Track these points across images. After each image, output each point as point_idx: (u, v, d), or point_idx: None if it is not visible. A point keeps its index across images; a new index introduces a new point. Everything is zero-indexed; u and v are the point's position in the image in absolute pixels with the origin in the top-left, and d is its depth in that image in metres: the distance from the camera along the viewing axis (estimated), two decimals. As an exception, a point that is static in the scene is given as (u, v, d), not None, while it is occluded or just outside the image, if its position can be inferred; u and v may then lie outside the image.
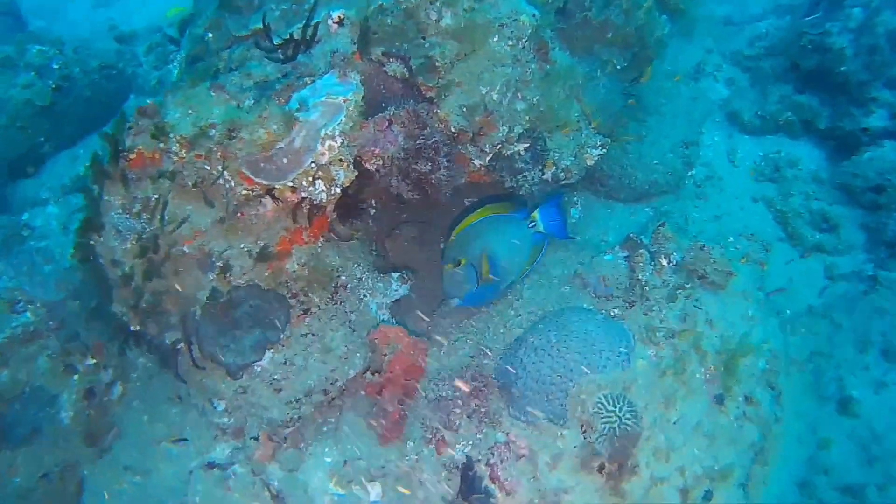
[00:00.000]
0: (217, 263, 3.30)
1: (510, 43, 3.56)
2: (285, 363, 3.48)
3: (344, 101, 3.13)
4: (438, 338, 3.82)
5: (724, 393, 3.38)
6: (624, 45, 4.17)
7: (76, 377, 3.62)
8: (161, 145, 3.17)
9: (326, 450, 3.65)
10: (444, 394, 3.53)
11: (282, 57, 3.51)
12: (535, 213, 3.95)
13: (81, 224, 3.34)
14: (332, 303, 3.57)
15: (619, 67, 4.22)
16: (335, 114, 3.09)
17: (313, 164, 3.08)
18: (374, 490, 3.56)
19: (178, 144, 3.15)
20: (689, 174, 4.71)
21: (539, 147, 3.85)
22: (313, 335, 3.52)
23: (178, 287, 3.31)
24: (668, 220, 4.38)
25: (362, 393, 3.63)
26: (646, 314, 3.52)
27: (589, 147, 3.98)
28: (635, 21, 4.04)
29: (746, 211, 4.60)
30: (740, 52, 5.46)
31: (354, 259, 3.71)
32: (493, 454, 3.30)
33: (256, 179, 3.09)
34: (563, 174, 3.92)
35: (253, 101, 3.23)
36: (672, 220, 4.39)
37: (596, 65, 4.08)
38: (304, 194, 3.16)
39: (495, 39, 3.54)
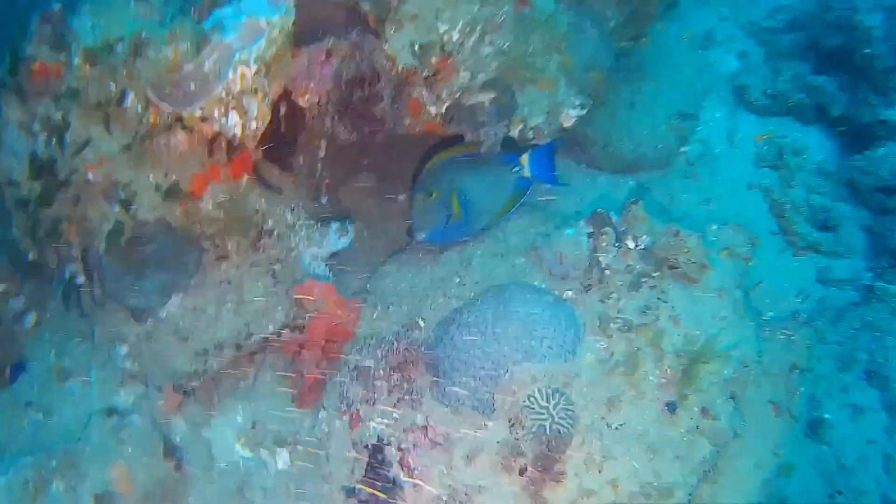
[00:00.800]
0: (122, 195, 2.87)
1: (478, -23, 3.03)
2: (194, 310, 3.06)
3: (266, 24, 2.63)
4: (373, 298, 3.37)
5: (678, 401, 2.87)
6: (621, -2, 3.60)
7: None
8: (63, 57, 2.72)
9: (239, 407, 3.26)
10: (366, 363, 3.09)
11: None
12: (524, 157, 3.51)
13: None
14: (254, 250, 3.12)
15: (613, 23, 3.66)
16: (254, 37, 2.60)
17: (224, 93, 2.60)
18: (283, 457, 3.16)
19: (80, 58, 2.69)
20: (681, 150, 4.16)
21: (506, 100, 3.32)
22: (229, 283, 3.09)
23: (78, 216, 2.89)
24: (650, 197, 3.86)
25: (282, 350, 3.22)
26: (602, 301, 3.01)
27: (566, 106, 3.44)
28: (636, -30, 3.47)
29: (740, 197, 4.02)
30: (758, 23, 4.72)
31: (286, 204, 3.25)
32: (407, 437, 2.85)
33: (161, 105, 2.63)
34: (531, 133, 3.39)
35: (170, 17, 2.76)
36: (654, 198, 3.86)
37: (585, 16, 3.52)
38: (216, 127, 2.70)
39: (463, -29, 3.00)
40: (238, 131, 2.68)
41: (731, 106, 4.28)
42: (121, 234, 2.92)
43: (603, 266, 3.07)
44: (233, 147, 2.76)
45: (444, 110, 3.23)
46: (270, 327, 3.19)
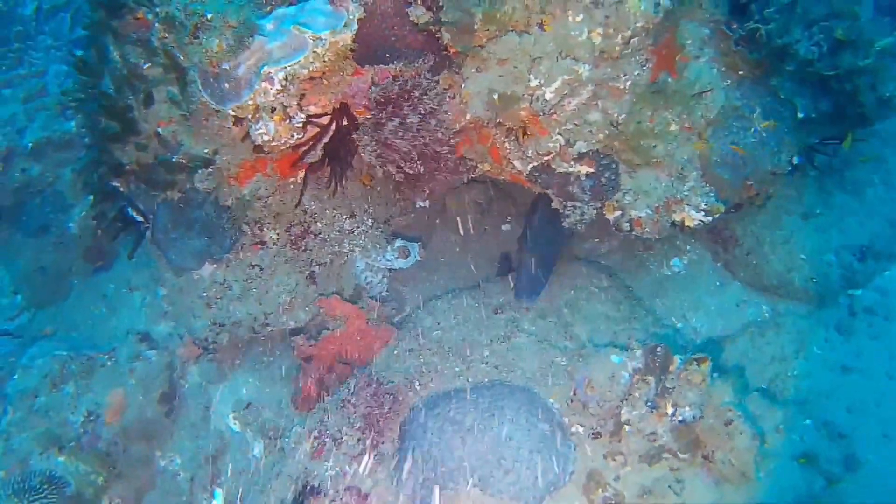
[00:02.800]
0: (181, 157, 2.75)
1: (599, 31, 2.28)
2: (223, 283, 2.96)
3: (313, 39, 2.22)
4: (407, 332, 2.99)
5: None
6: (819, 88, 2.55)
7: (91, 198, 3.42)
8: (150, 16, 2.57)
9: (250, 381, 3.17)
10: (354, 399, 2.78)
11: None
12: None
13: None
14: (293, 247, 2.89)
15: (801, 116, 2.64)
16: (295, 51, 2.23)
17: (250, 102, 2.29)
18: (258, 447, 3.05)
19: (160, 23, 2.53)
20: (847, 293, 3.04)
21: (606, 178, 2.59)
22: (260, 269, 2.92)
23: (143, 162, 2.85)
24: (776, 335, 2.88)
25: (293, 350, 3.03)
26: (605, 458, 2.37)
27: (689, 206, 2.61)
28: (846, 62, 2.40)
29: (893, 385, 2.83)
30: None
31: (345, 211, 2.92)
32: (340, 496, 2.56)
33: (202, 93, 2.39)
34: (628, 225, 2.64)
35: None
36: (782, 342, 2.88)
37: (759, 101, 2.57)
38: (248, 129, 2.42)
39: (577, 19, 2.28)
40: (261, 140, 2.39)
41: (953, 260, 3.00)
42: (171, 189, 2.88)
43: (623, 420, 2.40)
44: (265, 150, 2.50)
45: (528, 169, 2.64)
46: (292, 323, 3.02)
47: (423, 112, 2.32)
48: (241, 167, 2.70)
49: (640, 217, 2.69)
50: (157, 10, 2.54)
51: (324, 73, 2.34)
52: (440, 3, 2.34)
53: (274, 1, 2.40)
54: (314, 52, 2.27)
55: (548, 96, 2.41)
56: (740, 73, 2.60)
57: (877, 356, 2.85)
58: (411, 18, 2.42)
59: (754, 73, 2.59)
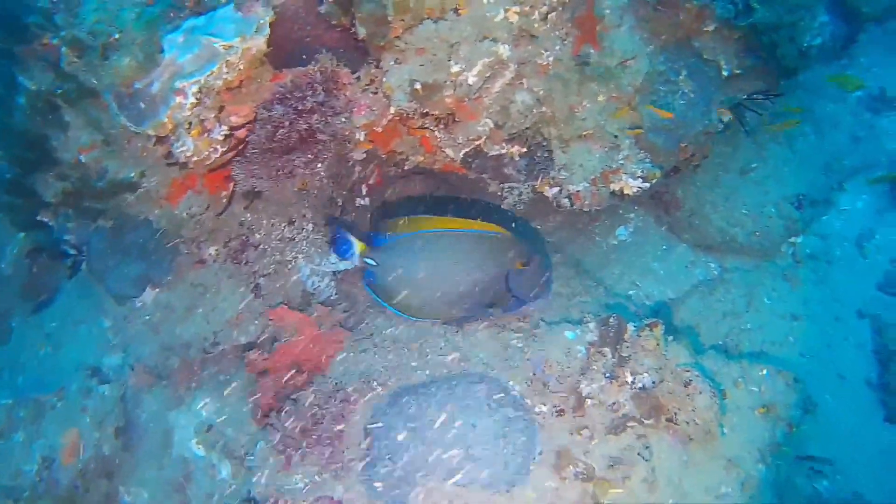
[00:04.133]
0: (106, 183, 2.64)
1: (515, 10, 2.25)
2: (167, 307, 2.86)
3: (224, 48, 2.14)
4: (362, 334, 2.94)
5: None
6: (742, 45, 2.56)
7: (22, 235, 3.28)
8: (55, 41, 2.46)
9: (207, 401, 3.08)
10: (314, 407, 2.72)
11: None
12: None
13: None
14: (233, 261, 2.80)
15: (726, 73, 2.65)
16: (207, 61, 2.14)
17: (166, 120, 2.20)
18: (226, 469, 2.97)
19: (67, 46, 2.41)
20: (789, 240, 3.10)
21: (540, 156, 2.57)
22: (204, 288, 2.83)
23: (71, 191, 2.73)
24: (726, 291, 2.91)
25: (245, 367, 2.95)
26: (570, 433, 2.35)
27: (626, 174, 2.60)
28: (762, 17, 2.41)
29: (842, 325, 2.87)
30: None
31: (282, 218, 2.85)
32: (313, 510, 2.50)
33: (119, 116, 2.29)
34: (567, 200, 2.63)
35: (158, 12, 2.35)
36: (732, 296, 2.91)
37: (683, 64, 2.57)
38: (170, 147, 2.33)
39: (492, 0, 2.24)
40: (183, 157, 2.30)
41: (882, 198, 3.07)
42: (104, 217, 2.77)
43: (584, 394, 2.39)
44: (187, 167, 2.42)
45: (461, 155, 2.60)
46: (242, 339, 2.93)
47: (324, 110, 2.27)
48: (171, 187, 2.59)
49: (577, 191, 2.66)
50: (63, 34, 2.42)
51: (241, 81, 2.25)
52: (350, 3, 2.28)
53: (182, 13, 2.31)
54: (227, 61, 2.16)
55: (471, 81, 2.35)
56: (663, 37, 2.59)
57: (823, 300, 2.91)
58: (323, 16, 2.34)
59: (676, 36, 2.60)
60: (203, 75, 2.15)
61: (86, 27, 2.41)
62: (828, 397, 2.66)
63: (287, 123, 2.29)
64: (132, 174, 2.60)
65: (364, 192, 3.24)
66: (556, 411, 2.48)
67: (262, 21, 2.19)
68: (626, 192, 2.71)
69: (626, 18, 2.51)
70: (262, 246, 2.85)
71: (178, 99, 2.16)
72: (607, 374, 2.41)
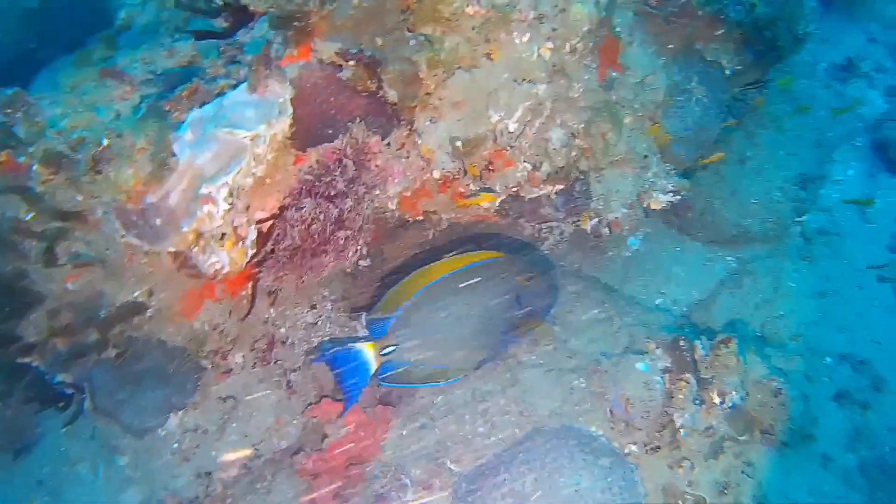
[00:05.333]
0: (107, 311, 2.29)
1: (549, 45, 2.12)
2: (196, 430, 2.53)
3: (250, 139, 1.87)
4: (405, 408, 2.72)
5: None
6: (742, 42, 2.57)
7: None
8: (22, 158, 2.08)
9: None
10: (387, 492, 2.50)
11: (222, 27, 2.24)
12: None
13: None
14: (263, 363, 2.52)
15: (729, 72, 2.66)
16: (233, 158, 1.85)
17: (191, 235, 1.91)
18: None
19: (40, 162, 2.04)
20: (797, 219, 3.15)
21: (578, 190, 2.47)
22: (234, 399, 2.53)
23: (61, 327, 2.35)
24: (752, 282, 2.94)
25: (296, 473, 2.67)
26: (671, 468, 2.28)
27: (656, 191, 2.55)
28: (765, 14, 2.42)
29: (866, 293, 2.96)
30: (921, 47, 3.50)
31: (307, 305, 2.60)
32: None
33: (126, 235, 1.97)
34: (607, 229, 2.55)
35: (145, 108, 2.04)
36: (759, 286, 2.96)
37: (693, 70, 2.54)
38: (192, 261, 2.04)
39: (524, 39, 2.10)
40: (213, 271, 2.01)
41: (870, 163, 3.20)
42: (106, 348, 2.41)
43: (678, 426, 2.33)
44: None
45: (497, 205, 2.46)
46: (283, 444, 2.66)
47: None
48: (186, 300, 2.24)
49: (616, 217, 2.58)
50: (31, 149, 2.04)
51: (265, 175, 2.01)
52: (376, 59, 2.07)
53: (178, 106, 1.99)
54: (255, 153, 1.89)
55: (511, 127, 2.19)
56: (671, 47, 2.55)
57: (843, 272, 3.00)
58: (346, 83, 2.09)
59: (683, 44, 2.56)
60: (230, 176, 1.85)
61: (61, 136, 2.05)
62: (883, 368, 2.76)
63: (321, 216, 2.05)
64: (136, 294, 2.25)
65: (365, 253, 3.01)
66: (651, 448, 2.42)
67: (282, 100, 1.92)
68: (654, 207, 2.68)
69: (635, 35, 2.43)
70: (289, 340, 2.58)
71: (207, 208, 1.84)
72: (696, 401, 2.37)
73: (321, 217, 2.01)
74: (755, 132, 3.04)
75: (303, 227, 2.00)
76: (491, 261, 2.44)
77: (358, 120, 2.02)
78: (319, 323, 2.68)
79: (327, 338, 2.73)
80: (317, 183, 2.03)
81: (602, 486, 2.27)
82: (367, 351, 2.34)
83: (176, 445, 2.53)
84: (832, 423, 2.38)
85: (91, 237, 2.17)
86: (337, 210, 2.02)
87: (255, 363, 2.50)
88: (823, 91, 3.14)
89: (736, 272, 3.01)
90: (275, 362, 2.55)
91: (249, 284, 2.37)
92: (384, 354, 2.34)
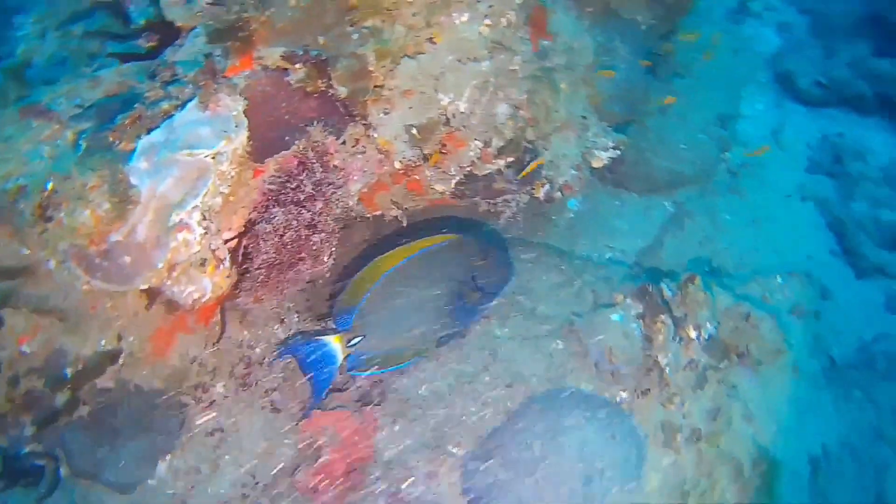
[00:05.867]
0: (72, 367, 2.15)
1: (487, 23, 2.15)
2: (188, 472, 2.41)
3: (212, 158, 1.80)
4: (391, 405, 2.71)
5: (760, 520, 2.35)
6: (651, -3, 2.71)
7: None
8: (-49, 214, 1.91)
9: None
10: (396, 489, 2.48)
11: (143, 48, 2.14)
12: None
13: None
14: (243, 388, 2.44)
15: (644, 28, 2.79)
16: (198, 179, 1.78)
17: (166, 267, 1.82)
18: None
19: (-27, 218, 1.89)
20: (722, 156, 3.35)
21: (529, 160, 2.53)
22: (221, 432, 2.43)
23: (22, 394, 2.19)
24: (691, 222, 3.11)
25: (296, 491, 2.62)
26: (664, 406, 2.39)
27: (598, 149, 2.65)
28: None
29: (793, 213, 3.23)
30: (802, -14, 3.77)
31: (275, 320, 2.54)
32: None
33: (91, 282, 1.86)
34: (559, 192, 2.62)
35: (85, 144, 1.92)
36: (698, 224, 3.13)
37: (614, 30, 2.65)
38: (168, 294, 1.94)
39: (464, 19, 2.12)
40: (191, 301, 1.91)
41: (776, 95, 3.44)
42: (77, 407, 2.26)
43: (663, 366, 2.44)
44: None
45: (452, 187, 2.47)
46: (280, 464, 2.58)
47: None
48: (157, 337, 2.13)
49: (566, 181, 2.67)
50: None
51: (231, 194, 1.92)
52: (323, 58, 2.02)
53: (123, 136, 1.87)
54: (219, 171, 1.81)
55: (462, 108, 2.20)
56: (589, 10, 2.63)
57: (770, 198, 3.21)
58: (296, 87, 2.01)
59: (601, 6, 2.65)
60: (199, 198, 1.76)
61: (-7, 189, 1.89)
62: (821, 272, 2.98)
63: (293, 223, 1.99)
64: (103, 342, 2.11)
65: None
66: (642, 392, 2.51)
67: (236, 113, 1.84)
68: (596, 165, 2.77)
69: (557, 2, 2.51)
70: (265, 360, 2.49)
71: (182, 235, 1.74)
72: (675, 339, 2.48)
73: (294, 224, 1.97)
74: (670, 80, 3.20)
75: (276, 238, 1.95)
76: (444, 243, 2.47)
77: (315, 122, 1.99)
78: (288, 338, 2.62)
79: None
80: (283, 191, 1.98)
81: (605, 436, 2.36)
82: (334, 344, 2.35)
83: (171, 492, 2.41)
84: (795, 335, 2.57)
85: (44, 291, 2.04)
86: (309, 213, 1.98)
87: (236, 390, 2.42)
88: (724, 34, 3.35)
89: (675, 215, 3.18)
90: (256, 384, 2.48)
91: (218, 309, 2.30)
92: (351, 345, 2.35)
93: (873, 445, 2.56)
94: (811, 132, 3.35)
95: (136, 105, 1.87)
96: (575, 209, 3.33)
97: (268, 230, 1.95)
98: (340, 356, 2.34)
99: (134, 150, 1.82)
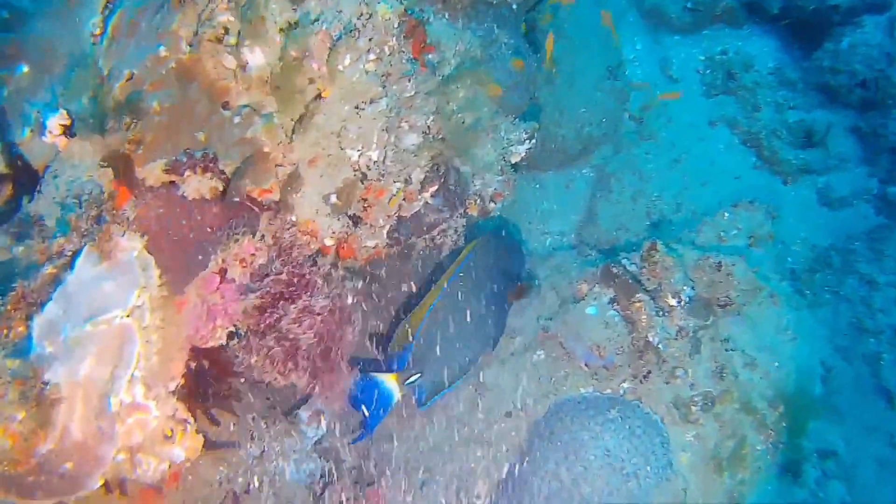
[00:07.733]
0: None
1: (372, 58, 1.97)
2: None
3: (128, 316, 1.54)
4: (393, 476, 2.53)
5: (797, 458, 2.35)
6: (517, -26, 2.59)
7: None
8: None
9: None
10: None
11: (-7, 206, 1.82)
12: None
13: None
14: (239, 527, 2.20)
15: (515, 7, 2.68)
16: (122, 349, 1.51)
17: (121, 456, 1.56)
18: None
19: None
20: (622, 109, 3.30)
21: (453, 182, 2.38)
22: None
23: None
24: (616, 181, 3.06)
25: None
26: (668, 383, 2.32)
27: (514, 145, 2.53)
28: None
29: (708, 142, 3.18)
30: None
31: (246, 439, 2.28)
32: None
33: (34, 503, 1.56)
34: (492, 203, 2.49)
35: (-31, 346, 1.60)
36: (624, 181, 3.09)
37: (488, 20, 2.52)
38: (132, 476, 1.67)
39: (346, 63, 1.93)
40: (161, 476, 1.66)
41: (650, 31, 3.41)
42: None
43: (655, 344, 2.38)
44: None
45: (384, 238, 2.29)
46: None
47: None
48: (123, 520, 1.87)
49: (496, 189, 2.53)
50: None
51: (161, 350, 1.66)
52: (210, 156, 1.76)
53: (10, 324, 1.55)
54: (143, 327, 1.57)
55: (374, 156, 2.03)
56: (458, 7, 2.48)
57: (681, 133, 3.20)
58: (192, 198, 1.78)
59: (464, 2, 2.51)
60: (131, 369, 1.50)
61: None
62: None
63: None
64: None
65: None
66: (643, 377, 2.45)
67: (136, 252, 1.58)
68: (516, 160, 2.66)
69: (426, 10, 2.32)
70: (250, 485, 2.23)
71: (136, 416, 1.48)
72: (658, 313, 2.42)
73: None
74: (545, 46, 3.12)
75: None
76: (470, 255, 2.47)
77: (224, 229, 1.76)
78: (265, 451, 2.39)
79: (280, 458, 2.46)
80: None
81: (624, 435, 2.28)
82: (390, 381, 2.34)
83: None
84: (764, 264, 2.58)
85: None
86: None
87: (231, 533, 2.17)
88: (580, -15, 3.30)
89: (598, 179, 3.12)
90: (245, 516, 2.23)
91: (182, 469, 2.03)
92: (409, 384, 2.35)
93: (859, 341, 2.63)
94: (696, 57, 3.35)
95: (17, 280, 1.57)
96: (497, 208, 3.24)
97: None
98: (397, 394, 2.34)
99: (30, 337, 1.53)
